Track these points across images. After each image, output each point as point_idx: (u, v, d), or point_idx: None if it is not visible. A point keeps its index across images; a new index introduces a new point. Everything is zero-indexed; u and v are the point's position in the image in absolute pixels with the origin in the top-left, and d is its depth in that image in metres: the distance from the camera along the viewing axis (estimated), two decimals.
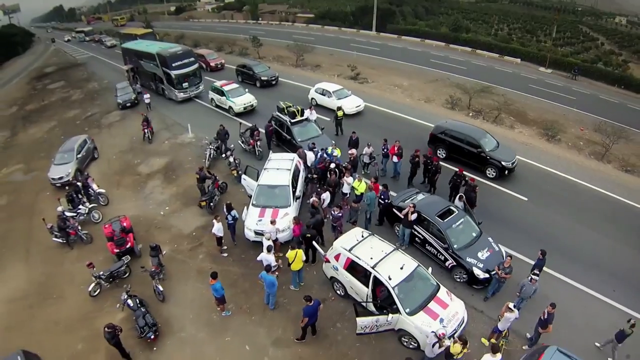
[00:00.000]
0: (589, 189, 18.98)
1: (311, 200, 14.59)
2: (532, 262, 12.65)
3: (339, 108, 23.29)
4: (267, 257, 12.07)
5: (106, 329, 10.66)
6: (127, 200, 19.33)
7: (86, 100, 36.78)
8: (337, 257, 12.14)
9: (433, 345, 9.58)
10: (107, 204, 18.87)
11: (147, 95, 30.53)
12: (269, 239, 12.92)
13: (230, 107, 27.11)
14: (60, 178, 20.62)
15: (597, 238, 15.50)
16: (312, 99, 27.58)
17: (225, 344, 11.75)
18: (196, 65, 31.18)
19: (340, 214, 14.08)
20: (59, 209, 16.57)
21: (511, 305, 10.54)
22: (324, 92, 27.13)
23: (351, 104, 26.12)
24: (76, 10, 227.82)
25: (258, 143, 20.66)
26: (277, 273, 12.56)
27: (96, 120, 31.05)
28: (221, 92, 27.73)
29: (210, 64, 40.09)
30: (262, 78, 33.02)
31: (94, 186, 18.93)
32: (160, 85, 32.13)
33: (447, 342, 9.43)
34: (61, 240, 16.23)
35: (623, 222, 16.55)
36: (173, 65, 29.54)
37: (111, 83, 39.55)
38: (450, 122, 21.49)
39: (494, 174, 18.51)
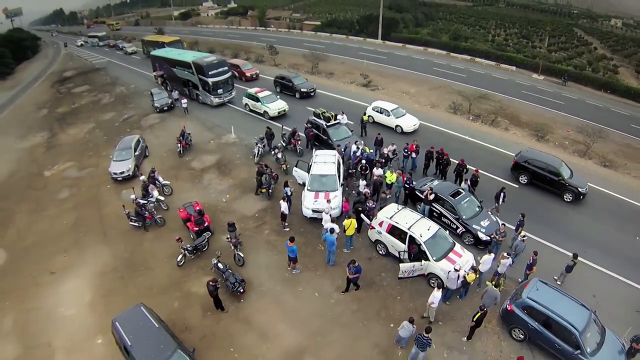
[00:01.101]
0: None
1: (364, 191, 19.43)
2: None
3: (364, 113, 28.07)
4: (331, 224, 16.85)
5: (210, 282, 14.68)
6: (188, 190, 23.63)
7: (118, 104, 41.05)
8: (380, 224, 16.98)
9: (456, 279, 14.41)
10: (171, 194, 23.22)
11: (184, 101, 35.23)
12: (327, 213, 17.68)
13: (265, 111, 31.92)
14: (122, 173, 24.88)
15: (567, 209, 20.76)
16: (369, 116, 29.90)
17: (299, 293, 16.24)
18: (230, 74, 35.85)
19: (374, 206, 18.77)
20: (132, 196, 20.71)
21: (505, 254, 15.42)
22: (381, 111, 30.03)
23: (409, 122, 29.08)
24: (77, 13, 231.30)
25: (299, 142, 25.42)
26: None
27: (135, 122, 35.36)
28: (256, 99, 32.54)
29: (246, 74, 43.60)
30: (302, 90, 36.58)
31: (160, 178, 23.28)
32: (194, 91, 36.69)
33: (462, 273, 14.28)
34: (137, 224, 20.33)
35: (596, 206, 21.59)
36: (209, 73, 34.21)
37: (138, 88, 44.48)
38: (530, 151, 23.63)
39: (571, 198, 21.32)
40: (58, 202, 24.29)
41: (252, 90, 33.33)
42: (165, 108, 36.27)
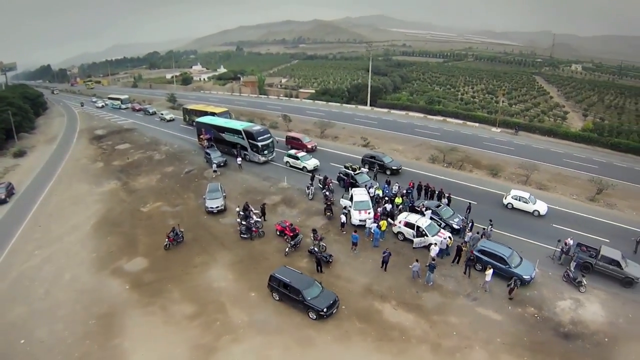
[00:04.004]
0: None
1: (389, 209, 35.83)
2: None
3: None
4: (374, 224, 32.82)
5: (317, 255, 30.29)
6: (270, 217, 38.21)
7: (172, 160, 55.89)
8: (399, 222, 33.11)
9: (441, 244, 30.57)
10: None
11: (239, 159, 50.72)
12: (368, 219, 33.91)
13: (304, 166, 48.14)
14: (217, 207, 39.02)
15: (511, 214, 37.25)
16: (508, 203, 39.19)
17: (359, 263, 31.18)
18: (272, 138, 52.07)
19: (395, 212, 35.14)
20: (238, 220, 35.64)
21: (469, 233, 31.76)
22: (520, 199, 38.63)
23: (543, 207, 38.00)
24: (67, 70, 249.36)
25: (330, 185, 41.15)
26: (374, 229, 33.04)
27: (199, 174, 49.82)
28: (296, 157, 49.08)
29: (307, 146, 55.35)
30: (393, 167, 47.29)
31: (252, 207, 37.64)
32: (243, 152, 52.05)
33: (445, 241, 30.54)
34: (246, 236, 34.71)
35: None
36: (259, 138, 50.44)
37: (180, 147, 60.62)
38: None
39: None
40: (169, 227, 36.71)
41: (292, 152, 50.22)
42: (222, 164, 50.99)
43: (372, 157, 49.28)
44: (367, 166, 48.17)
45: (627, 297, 27.47)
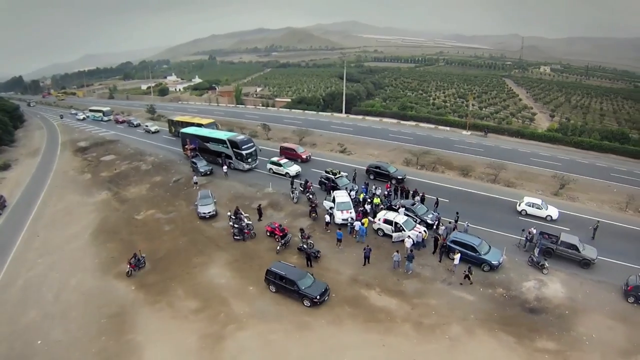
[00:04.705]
0: (483, 195, 45.77)
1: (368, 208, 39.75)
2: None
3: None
4: (360, 225, 36.58)
5: (307, 252, 34.01)
6: (257, 219, 41.64)
7: (160, 170, 58.49)
8: (379, 220, 36.97)
9: (417, 238, 34.63)
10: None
11: (225, 167, 53.88)
12: (349, 218, 37.76)
13: (287, 172, 51.53)
14: (209, 212, 42.11)
15: (482, 210, 41.64)
16: (522, 210, 41.71)
17: (344, 257, 34.79)
18: (255, 147, 55.53)
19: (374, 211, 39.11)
20: (231, 224, 38.93)
21: (442, 227, 35.98)
22: (533, 205, 41.28)
23: (555, 212, 40.99)
24: (40, 82, 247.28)
25: (311, 188, 45.00)
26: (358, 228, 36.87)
27: (187, 182, 52.42)
28: (279, 164, 52.56)
29: (302, 156, 57.73)
30: (398, 177, 49.24)
31: (241, 211, 40.86)
32: (227, 160, 55.14)
33: (420, 234, 34.62)
34: (239, 238, 37.92)
35: (501, 205, 42.96)
36: (243, 147, 53.81)
37: (166, 157, 63.12)
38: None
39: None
40: (165, 232, 40.67)
41: (275, 159, 53.74)
42: (208, 173, 54.42)
43: (377, 167, 51.07)
44: (371, 176, 50.47)
45: (584, 276, 31.91)
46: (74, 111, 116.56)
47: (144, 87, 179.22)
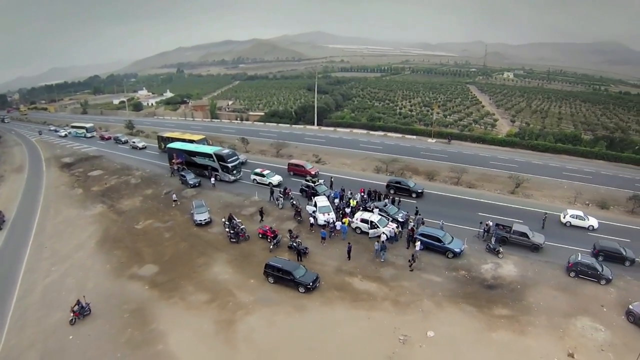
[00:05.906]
0: (447, 196, 53.33)
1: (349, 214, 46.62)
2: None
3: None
4: (341, 225, 43.07)
5: (299, 249, 40.02)
6: (249, 224, 47.04)
7: (150, 183, 63.08)
8: (357, 219, 43.56)
9: (390, 233, 41.61)
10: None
11: (213, 179, 59.22)
12: (329, 219, 44.46)
13: (270, 182, 57.23)
14: (205, 219, 47.49)
15: (447, 208, 49.10)
16: (567, 222, 45.60)
17: (328, 253, 40.92)
18: (239, 160, 61.47)
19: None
20: (227, 229, 44.50)
21: (412, 223, 43.14)
22: (577, 217, 45.21)
23: (595, 221, 44.96)
24: (7, 97, 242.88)
25: (290, 195, 51.34)
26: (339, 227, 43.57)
27: (178, 194, 56.75)
28: (262, 175, 58.51)
29: (311, 172, 60.94)
30: (418, 191, 53.52)
31: (234, 217, 46.26)
32: (214, 172, 60.45)
33: (393, 230, 41.64)
34: (234, 240, 43.42)
35: (463, 203, 50.47)
36: (228, 160, 59.49)
37: (153, 172, 67.64)
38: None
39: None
40: (166, 239, 45.63)
41: (258, 170, 59.72)
42: (197, 185, 59.57)
43: (398, 182, 54.76)
44: (392, 191, 54.18)
45: (534, 258, 39.23)
46: (53, 127, 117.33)
47: (115, 101, 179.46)
